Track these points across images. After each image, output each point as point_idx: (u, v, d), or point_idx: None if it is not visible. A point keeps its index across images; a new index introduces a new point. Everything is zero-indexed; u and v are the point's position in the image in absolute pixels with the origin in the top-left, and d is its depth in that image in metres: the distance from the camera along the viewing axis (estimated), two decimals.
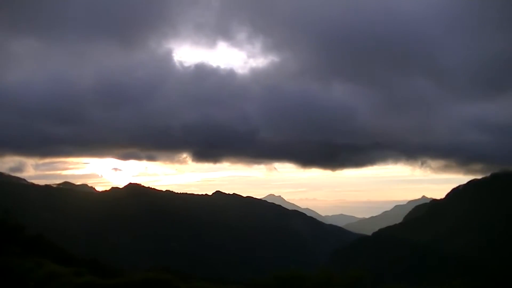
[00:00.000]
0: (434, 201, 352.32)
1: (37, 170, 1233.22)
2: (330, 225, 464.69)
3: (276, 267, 23.93)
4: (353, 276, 19.63)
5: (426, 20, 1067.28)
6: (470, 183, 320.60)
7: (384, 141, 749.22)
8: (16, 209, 44.39)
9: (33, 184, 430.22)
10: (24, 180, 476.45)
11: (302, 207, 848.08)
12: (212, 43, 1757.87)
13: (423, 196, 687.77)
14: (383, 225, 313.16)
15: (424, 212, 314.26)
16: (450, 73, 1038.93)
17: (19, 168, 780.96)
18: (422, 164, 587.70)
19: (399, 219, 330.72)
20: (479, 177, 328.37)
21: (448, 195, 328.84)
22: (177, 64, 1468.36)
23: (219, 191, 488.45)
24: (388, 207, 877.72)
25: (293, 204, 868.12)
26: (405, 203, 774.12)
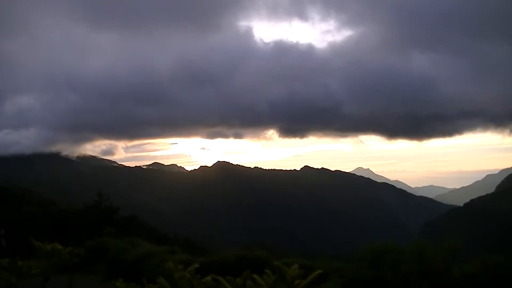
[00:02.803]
0: None
1: (127, 153, 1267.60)
2: (421, 197, 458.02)
3: (368, 240, 23.90)
4: (447, 247, 19.49)
5: None
6: None
7: (470, 109, 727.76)
8: (109, 191, 45.86)
9: (124, 166, 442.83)
10: (115, 162, 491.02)
11: (392, 179, 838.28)
12: (288, 21, 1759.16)
13: None
14: (475, 195, 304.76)
15: None
16: None
17: (110, 151, 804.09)
18: (511, 131, 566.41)
19: (491, 189, 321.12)
20: None
21: None
22: (258, 40, 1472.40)
23: (307, 166, 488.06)
24: (480, 177, 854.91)
25: (382, 176, 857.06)
26: (497, 172, 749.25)
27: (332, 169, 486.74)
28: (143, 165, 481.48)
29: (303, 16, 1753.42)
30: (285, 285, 1.58)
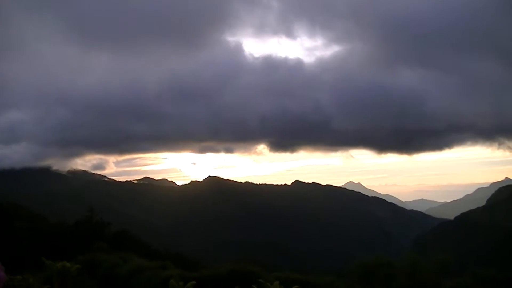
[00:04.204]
0: None
1: (118, 167, 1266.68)
2: (412, 211, 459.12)
3: (360, 255, 24.05)
4: (438, 261, 19.62)
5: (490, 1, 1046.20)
6: None
7: (459, 124, 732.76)
8: (100, 206, 45.94)
9: (114, 181, 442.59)
10: (106, 177, 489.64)
11: (382, 193, 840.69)
12: (275, 38, 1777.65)
13: (506, 178, 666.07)
14: (466, 208, 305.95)
15: (508, 194, 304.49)
16: None
17: (101, 166, 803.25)
18: (499, 145, 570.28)
19: (482, 202, 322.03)
20: None
21: None
22: (248, 55, 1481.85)
23: (298, 180, 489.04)
24: (470, 190, 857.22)
25: (373, 190, 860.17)
26: (487, 185, 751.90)
27: (323, 183, 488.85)
28: (133, 180, 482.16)
29: (289, 33, 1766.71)
30: None
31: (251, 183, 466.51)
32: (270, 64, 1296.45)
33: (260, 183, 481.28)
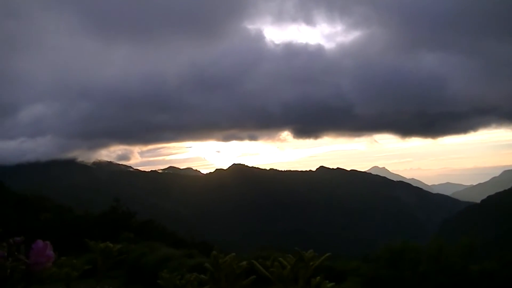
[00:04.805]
0: None
1: (143, 157, 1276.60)
2: (437, 195, 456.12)
3: (386, 240, 23.93)
4: (464, 245, 19.50)
5: None
6: None
7: (482, 106, 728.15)
8: (125, 196, 46.23)
9: (139, 171, 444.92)
10: (131, 167, 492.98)
11: (408, 177, 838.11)
12: (294, 25, 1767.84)
13: None
14: (492, 191, 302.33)
15: None
16: None
17: (126, 156, 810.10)
18: None
19: (509, 185, 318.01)
20: None
21: None
22: (269, 42, 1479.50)
23: (323, 166, 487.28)
24: (497, 173, 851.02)
25: (398, 175, 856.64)
26: None
27: (348, 168, 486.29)
28: (158, 169, 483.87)
29: (309, 20, 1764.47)
30: (303, 264, 1.77)
31: (276, 170, 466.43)
32: (291, 51, 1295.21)
33: (285, 169, 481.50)
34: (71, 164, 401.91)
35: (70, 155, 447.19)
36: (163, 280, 1.92)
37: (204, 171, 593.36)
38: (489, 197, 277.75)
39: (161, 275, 2.04)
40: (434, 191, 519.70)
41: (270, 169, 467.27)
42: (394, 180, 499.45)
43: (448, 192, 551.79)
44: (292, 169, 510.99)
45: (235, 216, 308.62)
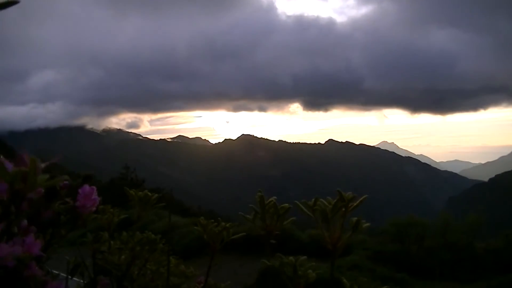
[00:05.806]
0: None
1: (152, 125, 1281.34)
2: (445, 171, 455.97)
3: (392, 214, 24.08)
4: (471, 222, 19.64)
5: None
6: None
7: (493, 85, 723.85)
8: (134, 163, 46.47)
9: (148, 139, 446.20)
10: (140, 135, 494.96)
11: (416, 153, 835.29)
12: None
13: None
14: (500, 170, 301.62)
15: None
16: None
17: (135, 124, 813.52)
18: None
19: None
20: None
21: None
22: (280, 13, 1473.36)
23: (332, 139, 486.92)
24: (505, 152, 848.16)
25: (407, 150, 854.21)
26: None
27: (357, 142, 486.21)
28: (167, 138, 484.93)
29: None
30: (344, 204, 1.81)
31: (285, 141, 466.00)
32: (302, 23, 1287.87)
33: (294, 141, 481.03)
34: (81, 130, 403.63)
35: (80, 122, 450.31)
36: (200, 226, 1.95)
37: (213, 141, 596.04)
38: (497, 176, 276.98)
39: (199, 222, 2.09)
40: (442, 168, 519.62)
41: (279, 140, 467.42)
42: (403, 155, 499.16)
43: (456, 170, 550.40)
44: (301, 141, 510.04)
45: (242, 185, 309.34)
